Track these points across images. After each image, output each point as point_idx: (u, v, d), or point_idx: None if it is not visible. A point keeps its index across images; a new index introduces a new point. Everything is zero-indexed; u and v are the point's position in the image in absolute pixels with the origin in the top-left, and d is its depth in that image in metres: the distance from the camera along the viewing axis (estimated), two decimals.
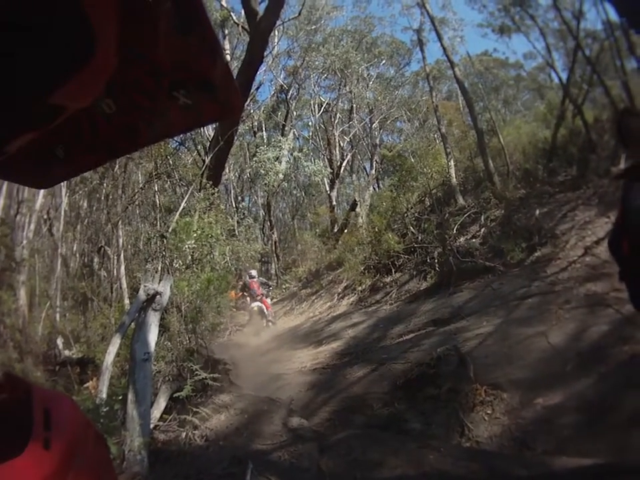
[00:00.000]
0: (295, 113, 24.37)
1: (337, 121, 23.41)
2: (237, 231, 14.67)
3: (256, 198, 26.30)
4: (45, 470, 0.54)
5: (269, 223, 22.66)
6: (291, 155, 21.23)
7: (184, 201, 9.22)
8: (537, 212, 9.22)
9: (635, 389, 3.63)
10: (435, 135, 20.14)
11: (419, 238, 11.77)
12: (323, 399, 5.87)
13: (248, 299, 13.14)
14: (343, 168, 22.58)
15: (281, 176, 19.67)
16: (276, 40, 20.57)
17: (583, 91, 12.94)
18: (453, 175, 13.40)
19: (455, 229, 10.87)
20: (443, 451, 3.70)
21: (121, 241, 9.56)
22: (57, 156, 0.73)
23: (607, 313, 5.06)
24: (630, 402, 3.56)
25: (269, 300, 13.11)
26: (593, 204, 8.72)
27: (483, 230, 10.48)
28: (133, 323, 5.21)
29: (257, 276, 13.40)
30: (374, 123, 23.41)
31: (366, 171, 26.11)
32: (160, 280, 5.53)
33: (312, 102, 23.67)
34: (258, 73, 14.06)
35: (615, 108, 10.98)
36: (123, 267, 9.09)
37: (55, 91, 0.52)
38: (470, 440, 4.08)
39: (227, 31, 19.53)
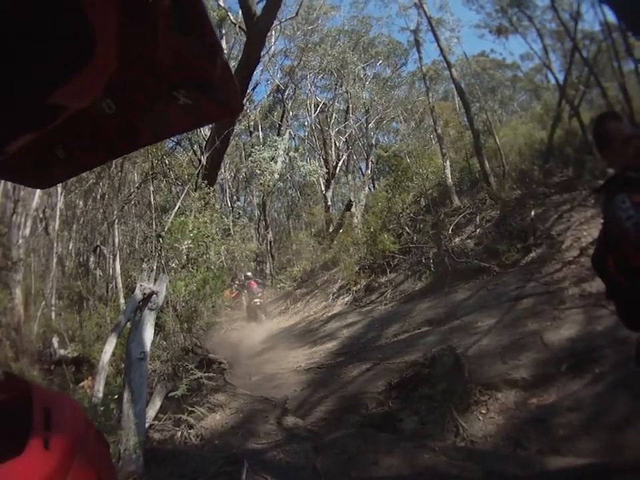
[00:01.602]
0: (291, 113, 24.40)
1: (333, 121, 23.48)
2: (232, 231, 14.68)
3: (251, 198, 26.32)
4: (45, 470, 0.54)
5: (264, 223, 22.66)
6: (287, 154, 21.27)
7: (180, 200, 9.21)
8: (533, 213, 9.24)
9: (629, 389, 3.64)
10: (431, 136, 20.21)
11: (414, 238, 11.81)
12: (318, 398, 5.87)
13: (243, 298, 13.36)
14: (338, 168, 22.64)
15: (276, 176, 19.71)
16: (273, 39, 20.57)
17: (579, 92, 12.99)
18: (449, 175, 13.44)
19: (450, 230, 10.89)
20: (438, 451, 3.70)
21: (116, 240, 9.52)
22: (57, 156, 0.73)
23: (601, 314, 5.07)
24: (624, 403, 3.58)
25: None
26: (588, 205, 8.75)
27: (478, 230, 10.51)
28: (128, 323, 5.20)
29: (252, 276, 13.78)
30: (370, 123, 23.49)
31: (361, 171, 26.21)
32: (156, 279, 5.52)
33: (308, 102, 23.69)
34: (254, 72, 14.08)
35: (612, 109, 11.01)
36: (118, 266, 9.05)
37: (55, 91, 0.53)
38: (464, 439, 4.08)
39: (224, 31, 19.43)
